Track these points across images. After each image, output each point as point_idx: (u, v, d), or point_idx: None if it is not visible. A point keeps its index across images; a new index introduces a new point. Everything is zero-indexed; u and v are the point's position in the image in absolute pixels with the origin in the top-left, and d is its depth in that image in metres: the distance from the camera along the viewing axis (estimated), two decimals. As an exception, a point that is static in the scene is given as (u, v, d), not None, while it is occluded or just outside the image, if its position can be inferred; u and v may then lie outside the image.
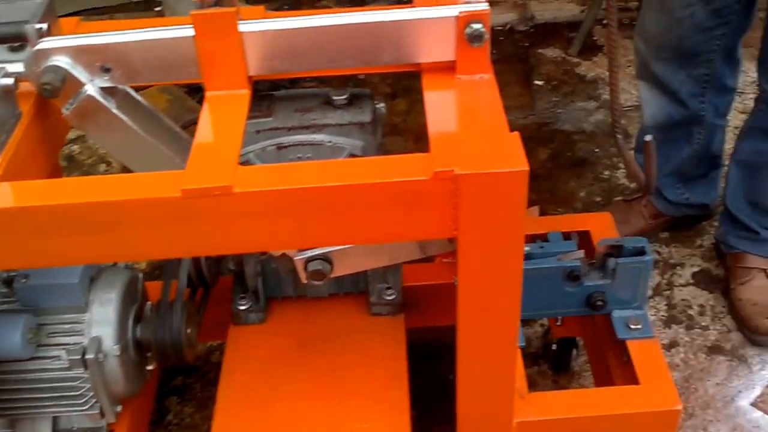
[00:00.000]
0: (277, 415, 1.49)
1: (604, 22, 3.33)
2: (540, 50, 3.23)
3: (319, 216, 1.08)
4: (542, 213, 2.43)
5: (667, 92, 2.14)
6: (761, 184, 2.11)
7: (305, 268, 1.34)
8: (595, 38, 3.27)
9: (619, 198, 2.49)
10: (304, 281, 1.36)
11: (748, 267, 2.18)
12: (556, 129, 2.85)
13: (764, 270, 2.18)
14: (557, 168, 2.67)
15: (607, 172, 2.65)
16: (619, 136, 1.53)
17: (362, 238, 1.18)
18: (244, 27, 1.17)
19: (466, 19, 1.16)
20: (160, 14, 3.38)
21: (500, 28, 3.36)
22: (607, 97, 2.92)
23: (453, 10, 1.17)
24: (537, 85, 3.05)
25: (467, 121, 1.17)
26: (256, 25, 1.17)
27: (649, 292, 2.22)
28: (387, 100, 1.55)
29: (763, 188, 2.12)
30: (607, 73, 3.13)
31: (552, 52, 3.23)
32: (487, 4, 1.19)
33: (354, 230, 1.11)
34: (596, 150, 2.74)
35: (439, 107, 1.18)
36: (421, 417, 1.53)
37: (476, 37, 1.16)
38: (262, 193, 1.05)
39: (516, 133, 1.10)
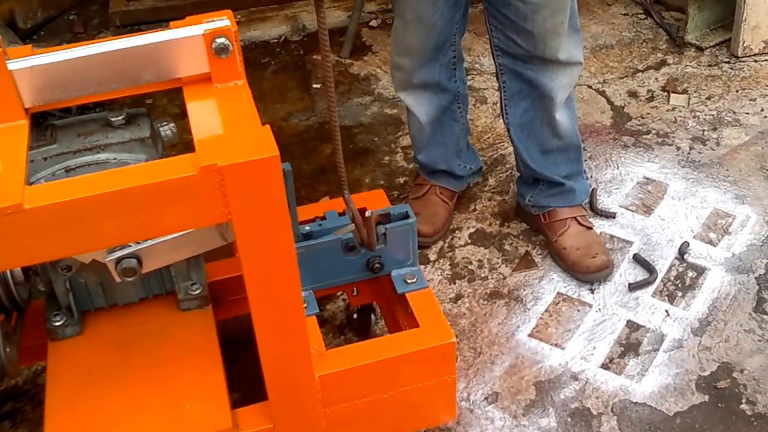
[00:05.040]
0: (105, 412, 1.57)
1: (371, 24, 3.58)
2: (315, 56, 3.38)
3: (109, 219, 1.21)
4: (333, 202, 2.62)
5: (431, 88, 2.34)
6: (539, 132, 2.32)
7: (116, 268, 1.46)
8: (363, 40, 3.47)
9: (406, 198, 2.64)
10: (118, 280, 1.47)
11: (561, 219, 2.42)
12: (337, 125, 3.03)
13: (575, 218, 2.42)
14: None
15: (387, 158, 2.85)
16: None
17: (151, 232, 1.33)
18: (13, 65, 1.29)
19: (211, 36, 1.35)
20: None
21: (276, 40, 3.53)
22: (381, 91, 3.18)
23: (200, 29, 1.35)
24: (315, 88, 3.21)
25: (225, 121, 1.35)
26: (24, 62, 1.30)
27: (434, 256, 2.46)
28: (177, 120, 1.70)
29: (541, 134, 2.32)
30: (378, 70, 3.40)
31: (326, 57, 3.40)
32: (228, 20, 1.39)
33: (142, 226, 1.25)
34: (375, 139, 2.93)
35: (200, 113, 1.35)
36: (245, 398, 1.64)
37: (222, 50, 1.35)
38: (51, 206, 1.16)
39: (267, 126, 1.29)
